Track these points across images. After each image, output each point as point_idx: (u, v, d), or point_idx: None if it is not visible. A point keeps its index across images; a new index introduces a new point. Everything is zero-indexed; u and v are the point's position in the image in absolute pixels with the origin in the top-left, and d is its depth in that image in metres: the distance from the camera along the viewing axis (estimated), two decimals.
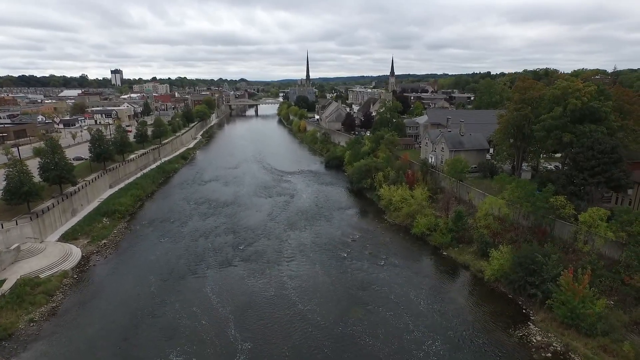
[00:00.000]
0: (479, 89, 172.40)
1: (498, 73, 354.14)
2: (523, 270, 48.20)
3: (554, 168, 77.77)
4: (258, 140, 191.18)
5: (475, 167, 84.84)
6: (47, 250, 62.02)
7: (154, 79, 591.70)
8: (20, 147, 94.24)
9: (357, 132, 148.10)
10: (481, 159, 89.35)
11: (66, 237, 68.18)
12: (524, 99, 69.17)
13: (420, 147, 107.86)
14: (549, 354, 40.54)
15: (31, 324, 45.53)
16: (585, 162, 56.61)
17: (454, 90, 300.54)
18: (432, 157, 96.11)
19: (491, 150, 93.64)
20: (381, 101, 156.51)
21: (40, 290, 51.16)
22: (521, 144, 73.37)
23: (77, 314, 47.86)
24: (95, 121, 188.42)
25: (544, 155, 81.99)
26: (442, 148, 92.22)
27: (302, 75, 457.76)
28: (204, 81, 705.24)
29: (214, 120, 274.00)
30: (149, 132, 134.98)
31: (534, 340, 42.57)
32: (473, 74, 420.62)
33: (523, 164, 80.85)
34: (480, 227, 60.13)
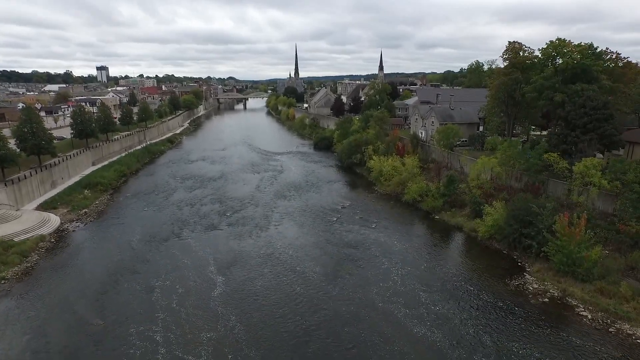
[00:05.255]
0: (467, 72, 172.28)
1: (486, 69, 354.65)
2: (518, 223, 47.08)
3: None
4: (246, 127, 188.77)
5: (465, 140, 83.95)
6: (22, 217, 59.18)
7: (140, 76, 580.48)
8: None
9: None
10: (471, 132, 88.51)
11: (44, 206, 65.24)
12: (515, 63, 68.31)
13: (410, 127, 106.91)
14: (546, 299, 39.49)
15: (2, 282, 42.99)
16: (577, 120, 55.80)
17: (442, 85, 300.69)
18: (422, 132, 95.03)
19: (481, 128, 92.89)
20: (370, 84, 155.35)
21: (14, 252, 48.41)
22: (512, 111, 72.53)
23: (54, 273, 45.39)
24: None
25: (534, 128, 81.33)
26: (432, 122, 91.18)
27: (292, 74, 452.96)
28: (192, 79, 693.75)
29: (201, 111, 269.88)
30: (135, 117, 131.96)
31: (531, 288, 41.51)
32: (461, 70, 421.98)
33: (513, 138, 79.96)
34: (472, 187, 58.98)
